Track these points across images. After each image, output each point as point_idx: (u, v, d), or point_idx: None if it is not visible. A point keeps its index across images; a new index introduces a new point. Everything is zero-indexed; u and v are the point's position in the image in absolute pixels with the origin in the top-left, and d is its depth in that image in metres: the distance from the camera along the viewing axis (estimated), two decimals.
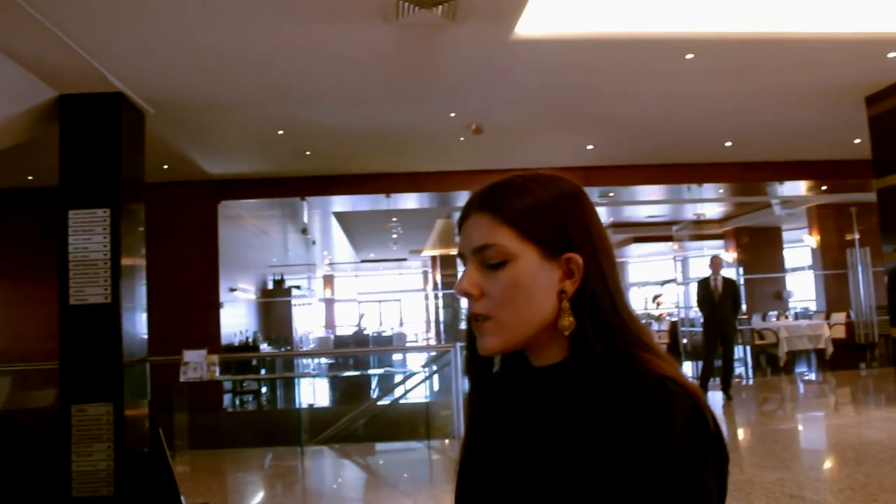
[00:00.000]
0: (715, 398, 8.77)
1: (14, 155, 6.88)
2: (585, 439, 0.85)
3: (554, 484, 0.87)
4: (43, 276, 7.50)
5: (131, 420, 5.87)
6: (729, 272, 11.50)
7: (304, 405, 8.79)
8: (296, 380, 9.18)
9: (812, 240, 13.63)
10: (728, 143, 8.97)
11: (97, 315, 5.66)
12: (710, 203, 12.56)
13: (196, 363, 6.20)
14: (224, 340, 9.78)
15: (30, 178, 8.84)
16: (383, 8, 4.73)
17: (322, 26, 5.00)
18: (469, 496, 1.04)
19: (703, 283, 9.00)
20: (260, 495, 5.75)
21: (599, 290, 0.93)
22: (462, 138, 7.98)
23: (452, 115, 7.27)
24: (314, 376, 11.76)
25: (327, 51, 5.51)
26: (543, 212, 0.94)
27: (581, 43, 5.53)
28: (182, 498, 1.70)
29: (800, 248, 15.63)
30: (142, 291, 6.28)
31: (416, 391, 8.56)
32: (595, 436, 0.85)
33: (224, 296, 9.89)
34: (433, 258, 19.37)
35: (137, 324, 6.12)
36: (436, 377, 8.96)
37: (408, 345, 15.35)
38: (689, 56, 5.83)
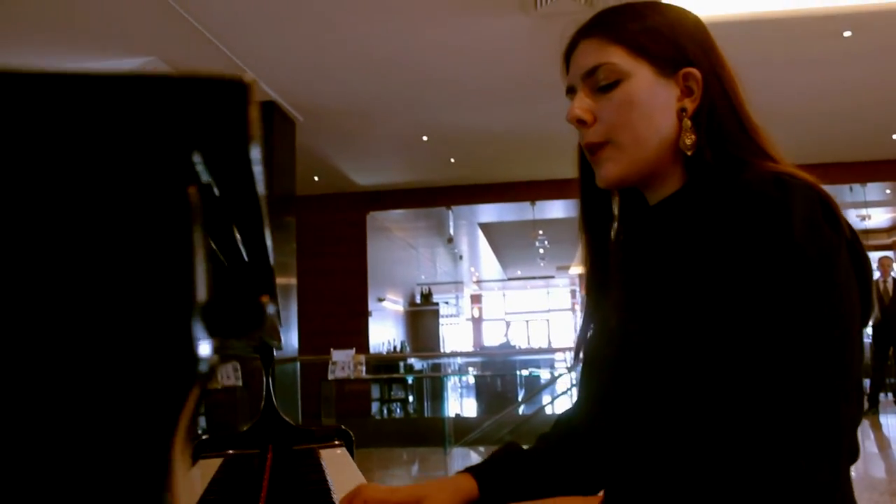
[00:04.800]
0: (888, 422, 7.94)
1: None
2: (706, 260, 0.76)
3: (681, 328, 0.77)
4: None
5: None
6: None
7: (451, 415, 8.79)
8: (443, 388, 9.18)
9: None
10: None
11: None
12: (876, 208, 11.36)
13: (343, 362, 6.35)
14: (372, 350, 9.97)
15: None
16: None
17: (462, 19, 5.00)
18: (591, 356, 1.01)
19: None
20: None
21: (720, 103, 0.87)
22: None
23: None
24: (459, 375, 11.74)
25: (467, 48, 5.52)
26: (656, 28, 0.88)
27: (723, 25, 5.18)
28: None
29: None
30: (292, 299, 6.50)
31: (562, 400, 8.37)
32: (715, 251, 0.75)
33: (372, 305, 10.11)
34: (580, 276, 19.05)
35: (289, 329, 6.33)
36: None
37: (555, 358, 15.02)
38: (847, 34, 5.38)
